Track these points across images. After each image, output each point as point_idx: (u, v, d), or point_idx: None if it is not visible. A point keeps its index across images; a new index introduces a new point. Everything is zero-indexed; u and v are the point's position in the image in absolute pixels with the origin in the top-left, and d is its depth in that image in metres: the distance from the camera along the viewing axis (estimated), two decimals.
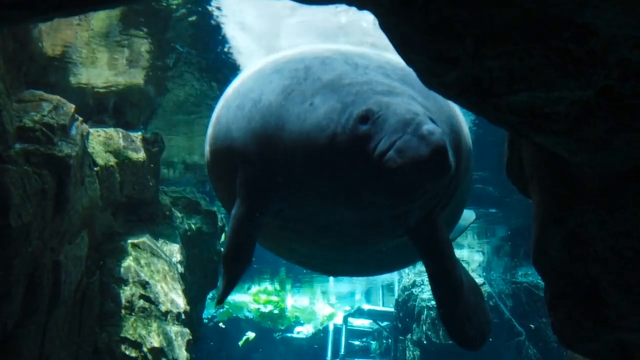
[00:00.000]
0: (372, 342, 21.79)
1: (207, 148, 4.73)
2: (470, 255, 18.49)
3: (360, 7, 2.13)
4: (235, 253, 4.31)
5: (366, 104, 3.59)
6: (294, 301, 25.21)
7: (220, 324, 21.15)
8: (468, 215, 6.65)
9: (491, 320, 4.73)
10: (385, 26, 2.08)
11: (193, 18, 6.52)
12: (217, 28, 6.77)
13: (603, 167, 2.23)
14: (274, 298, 23.67)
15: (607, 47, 1.82)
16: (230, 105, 4.25)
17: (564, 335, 2.78)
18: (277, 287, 23.79)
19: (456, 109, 4.28)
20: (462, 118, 4.39)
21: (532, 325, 15.76)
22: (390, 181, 3.49)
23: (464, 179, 4.37)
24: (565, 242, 2.48)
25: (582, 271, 2.50)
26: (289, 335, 23.61)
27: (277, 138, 3.84)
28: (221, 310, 20.47)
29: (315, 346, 22.79)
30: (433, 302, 13.20)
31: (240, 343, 21.33)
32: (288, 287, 24.00)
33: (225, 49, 7.18)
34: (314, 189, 3.90)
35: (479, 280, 17.05)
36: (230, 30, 6.81)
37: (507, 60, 1.91)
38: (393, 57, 4.01)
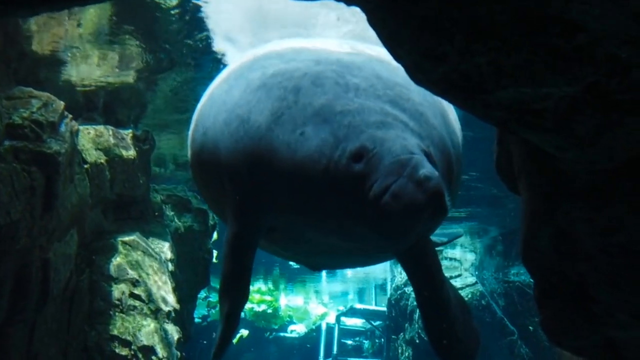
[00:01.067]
0: (364, 341, 21.81)
1: (191, 153, 4.63)
2: (462, 254, 18.51)
3: (349, 4, 2.11)
4: (233, 282, 4.16)
5: (359, 140, 3.46)
6: (288, 301, 25.21)
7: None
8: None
9: (480, 339, 4.70)
10: (373, 21, 2.07)
11: (177, 10, 6.49)
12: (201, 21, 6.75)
13: (591, 164, 2.23)
14: (268, 298, 23.67)
15: (594, 43, 1.81)
16: (217, 118, 4.10)
17: (552, 333, 2.79)
18: (271, 286, 23.78)
19: (448, 114, 4.23)
20: (455, 123, 4.34)
21: (530, 327, 15.78)
22: (385, 223, 3.41)
23: (455, 189, 4.33)
24: (553, 239, 2.48)
25: (570, 268, 2.50)
26: (281, 334, 23.61)
27: (267, 165, 3.72)
28: (214, 310, 20.43)
29: (308, 346, 22.80)
30: None
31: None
32: (282, 286, 23.99)
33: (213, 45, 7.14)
34: (303, 219, 3.84)
35: (471, 279, 17.09)
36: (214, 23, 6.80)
37: (495, 56, 1.91)
38: (381, 60, 3.99)
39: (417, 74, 2.09)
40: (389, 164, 3.32)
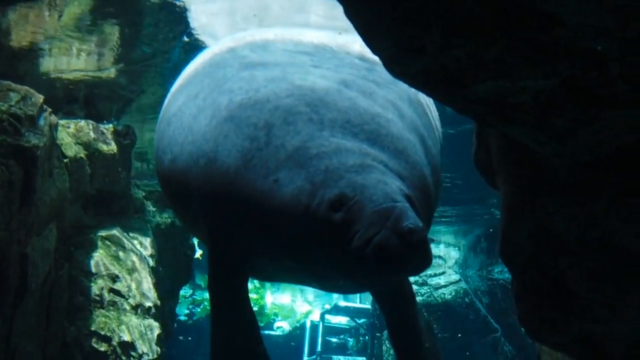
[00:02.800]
0: (349, 339, 21.80)
1: (159, 175, 4.36)
2: (446, 251, 18.58)
3: None
4: (222, 313, 3.88)
5: (338, 187, 3.24)
6: (274, 299, 25.17)
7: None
8: None
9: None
10: (350, 13, 2.05)
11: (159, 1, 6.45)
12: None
13: (570, 158, 2.23)
14: (254, 295, 23.62)
15: (571, 36, 1.81)
16: (184, 148, 3.81)
17: (531, 328, 2.79)
18: (257, 284, 23.75)
19: (430, 122, 4.11)
20: (436, 131, 4.24)
21: (510, 320, 15.88)
22: (367, 275, 3.31)
23: (435, 204, 4.18)
24: (531, 233, 2.48)
25: (550, 263, 2.50)
26: (266, 332, 23.57)
27: (239, 211, 3.52)
28: (199, 309, 20.35)
29: (293, 343, 22.77)
30: None
31: None
32: (267, 284, 23.96)
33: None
34: (278, 261, 3.72)
35: (454, 277, 17.15)
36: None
37: (473, 49, 1.90)
38: (357, 77, 3.82)
39: (394, 67, 2.08)
40: (371, 213, 3.13)
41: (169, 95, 4.53)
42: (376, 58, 3.79)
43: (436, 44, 1.91)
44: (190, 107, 3.97)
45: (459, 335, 16.03)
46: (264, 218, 3.42)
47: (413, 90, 3.96)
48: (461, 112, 2.19)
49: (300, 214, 3.32)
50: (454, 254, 18.89)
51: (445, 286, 16.24)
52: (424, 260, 3.18)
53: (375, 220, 3.11)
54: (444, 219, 15.21)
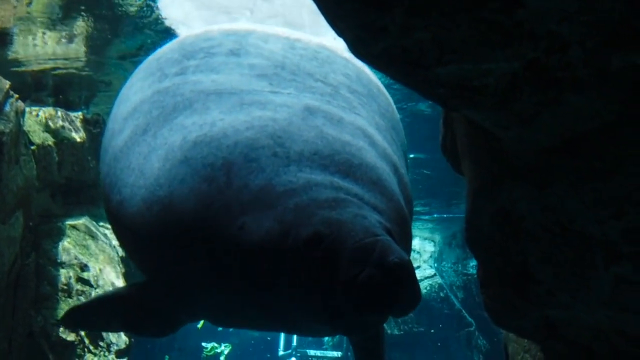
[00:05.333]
0: None
1: (105, 206, 3.88)
2: (421, 245, 18.67)
3: None
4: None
5: (312, 224, 2.90)
6: None
7: None
8: None
9: None
10: None
11: None
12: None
13: (532, 143, 2.24)
14: None
15: (534, 19, 1.81)
16: (135, 192, 3.41)
17: (494, 313, 2.80)
18: None
19: (402, 153, 3.93)
20: (405, 155, 4.07)
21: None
22: (349, 318, 2.91)
23: (411, 236, 3.85)
24: (495, 219, 2.49)
25: (512, 247, 2.51)
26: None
27: (199, 262, 3.15)
28: None
29: (268, 338, 22.76)
30: None
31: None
32: None
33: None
34: (241, 311, 3.35)
35: (430, 271, 17.23)
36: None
37: (435, 31, 1.89)
38: (322, 101, 3.51)
39: (358, 47, 2.06)
40: (352, 250, 2.78)
41: (113, 115, 4.03)
42: (339, 80, 3.70)
43: (399, 26, 1.90)
44: (140, 145, 3.53)
45: (434, 330, 16.18)
46: (228, 269, 3.07)
47: (379, 113, 3.85)
48: (424, 95, 2.18)
49: (270, 260, 2.96)
50: (429, 248, 19.00)
51: (420, 281, 16.32)
52: (413, 298, 2.82)
53: (357, 257, 2.77)
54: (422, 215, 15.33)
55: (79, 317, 4.08)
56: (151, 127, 3.51)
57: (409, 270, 2.77)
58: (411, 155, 11.35)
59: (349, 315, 2.85)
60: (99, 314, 3.93)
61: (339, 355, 17.84)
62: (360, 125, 3.54)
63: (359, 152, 3.31)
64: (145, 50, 7.50)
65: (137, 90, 3.84)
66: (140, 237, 3.39)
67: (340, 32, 2.08)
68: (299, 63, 3.73)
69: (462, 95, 2.08)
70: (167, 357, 13.55)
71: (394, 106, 4.27)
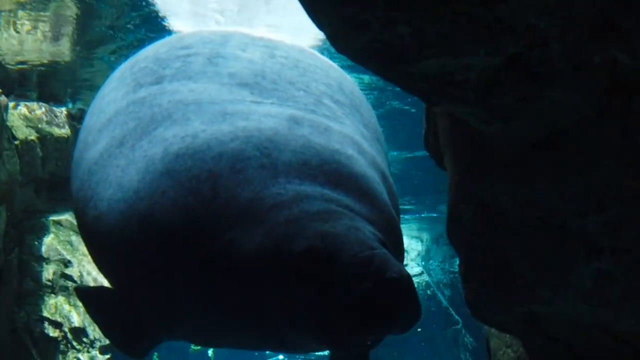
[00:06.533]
0: None
1: (77, 220, 3.76)
2: (409, 243, 18.70)
3: None
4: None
5: (305, 237, 2.81)
6: None
7: None
8: None
9: None
10: None
11: None
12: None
13: (513, 137, 2.25)
14: None
15: (514, 13, 1.81)
16: (112, 206, 3.26)
17: (476, 308, 2.81)
18: None
19: (387, 161, 3.90)
20: (389, 164, 4.01)
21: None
22: (347, 336, 2.80)
23: (403, 248, 3.77)
24: (477, 213, 2.49)
25: (494, 242, 2.52)
26: None
27: (181, 278, 3.04)
28: None
29: None
30: None
31: None
32: None
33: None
34: (227, 333, 3.27)
35: (417, 269, 17.29)
36: None
37: (416, 25, 1.88)
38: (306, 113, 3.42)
39: (339, 42, 2.06)
40: (349, 264, 2.69)
41: (85, 126, 3.86)
42: (321, 89, 3.66)
43: (379, 20, 1.90)
44: (117, 157, 3.38)
45: (421, 329, 16.24)
46: (213, 285, 2.97)
47: (363, 123, 3.79)
48: (405, 89, 2.18)
49: (261, 276, 2.86)
50: (416, 246, 19.05)
51: None
52: (415, 313, 2.75)
53: (354, 271, 2.68)
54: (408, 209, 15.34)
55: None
56: (128, 139, 3.37)
57: (409, 285, 2.70)
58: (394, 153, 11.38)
59: (347, 332, 2.74)
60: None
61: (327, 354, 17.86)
62: (347, 132, 3.47)
63: (348, 161, 3.23)
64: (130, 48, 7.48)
65: (110, 100, 3.70)
66: (117, 252, 3.27)
67: (321, 26, 2.07)
68: (280, 72, 3.64)
69: (444, 90, 2.08)
70: (155, 354, 13.48)
71: (376, 117, 4.23)
